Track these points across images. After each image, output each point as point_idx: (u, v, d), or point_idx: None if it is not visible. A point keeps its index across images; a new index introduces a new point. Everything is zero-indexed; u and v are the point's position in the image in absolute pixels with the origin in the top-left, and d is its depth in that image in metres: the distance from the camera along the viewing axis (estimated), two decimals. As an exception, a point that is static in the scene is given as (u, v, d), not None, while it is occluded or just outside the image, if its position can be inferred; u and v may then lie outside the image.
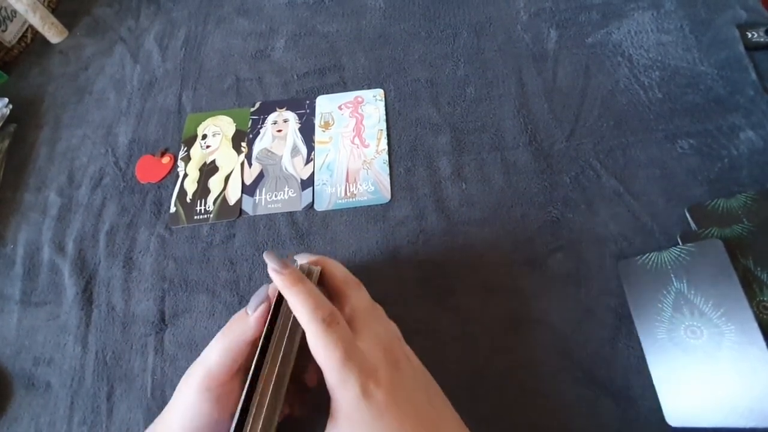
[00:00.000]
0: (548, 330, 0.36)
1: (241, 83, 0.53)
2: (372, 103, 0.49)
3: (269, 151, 0.48)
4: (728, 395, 0.30)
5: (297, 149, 0.47)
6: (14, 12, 0.60)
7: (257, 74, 0.53)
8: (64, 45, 0.61)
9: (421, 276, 0.39)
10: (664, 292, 0.34)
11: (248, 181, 0.46)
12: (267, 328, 0.28)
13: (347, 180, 0.45)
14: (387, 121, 0.48)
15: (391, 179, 0.44)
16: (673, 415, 0.31)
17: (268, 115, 0.50)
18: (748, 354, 0.30)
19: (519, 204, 0.41)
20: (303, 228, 0.43)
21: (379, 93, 0.49)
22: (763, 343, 0.30)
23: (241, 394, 0.26)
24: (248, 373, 0.26)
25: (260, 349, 0.27)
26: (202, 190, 0.46)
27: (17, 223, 0.48)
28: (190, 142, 0.50)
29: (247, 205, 0.45)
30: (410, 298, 0.39)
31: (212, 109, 0.52)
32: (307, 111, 0.50)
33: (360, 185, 0.44)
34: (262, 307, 0.29)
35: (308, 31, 0.55)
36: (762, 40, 0.44)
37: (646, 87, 0.45)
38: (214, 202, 0.46)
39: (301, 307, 0.27)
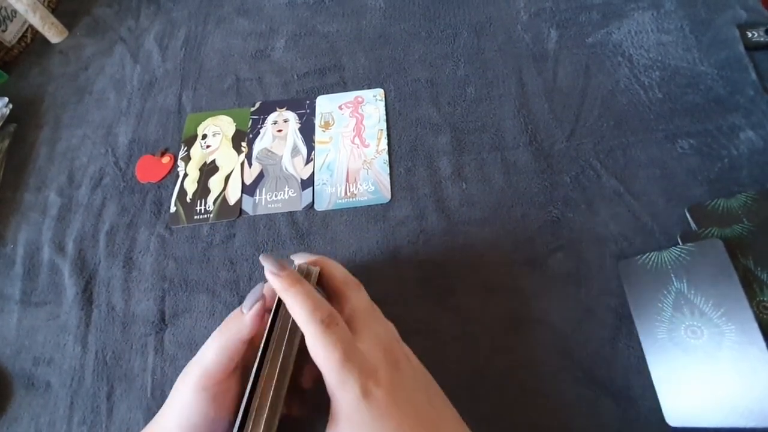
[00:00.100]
0: (548, 330, 0.36)
1: (241, 83, 0.53)
2: (372, 103, 0.49)
3: (269, 151, 0.48)
4: (728, 395, 0.30)
5: (297, 149, 0.47)
6: (14, 12, 0.60)
7: (257, 74, 0.53)
8: (64, 45, 0.61)
9: (421, 276, 0.39)
10: (665, 292, 0.34)
11: (248, 181, 0.46)
12: (267, 330, 0.28)
13: (347, 180, 0.45)
14: (387, 121, 0.48)
15: (391, 179, 0.44)
16: (673, 415, 0.31)
17: (268, 115, 0.50)
18: (748, 354, 0.30)
19: (519, 204, 0.41)
20: (303, 228, 0.43)
21: (380, 93, 0.49)
22: (763, 343, 0.30)
23: (237, 393, 0.26)
24: (247, 373, 0.26)
25: (261, 352, 0.27)
26: (202, 190, 0.46)
27: (17, 223, 0.48)
28: (190, 141, 0.50)
29: (247, 205, 0.45)
30: (410, 298, 0.39)
31: (212, 109, 0.52)
32: (307, 111, 0.50)
33: (360, 185, 0.44)
34: (257, 306, 0.29)
35: (308, 31, 0.55)
36: (762, 39, 0.44)
37: (646, 87, 0.45)
38: (214, 202, 0.46)
39: (299, 309, 0.26)
